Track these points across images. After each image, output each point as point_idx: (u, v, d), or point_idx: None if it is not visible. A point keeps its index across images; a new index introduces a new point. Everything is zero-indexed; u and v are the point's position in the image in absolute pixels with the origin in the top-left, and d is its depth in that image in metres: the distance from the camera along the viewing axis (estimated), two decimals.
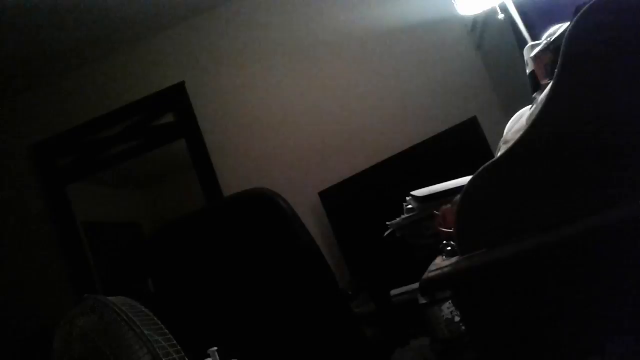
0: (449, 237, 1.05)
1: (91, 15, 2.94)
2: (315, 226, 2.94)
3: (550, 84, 0.91)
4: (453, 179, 1.46)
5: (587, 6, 0.82)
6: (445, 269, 0.78)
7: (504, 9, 1.58)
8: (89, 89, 3.41)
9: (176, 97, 3.30)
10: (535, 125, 0.81)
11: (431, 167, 2.63)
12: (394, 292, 2.42)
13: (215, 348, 1.13)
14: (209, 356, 1.16)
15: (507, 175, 0.81)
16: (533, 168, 0.79)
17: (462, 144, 2.62)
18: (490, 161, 0.86)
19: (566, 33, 0.83)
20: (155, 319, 0.98)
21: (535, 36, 1.54)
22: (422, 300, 1.80)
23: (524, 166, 0.80)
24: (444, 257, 0.93)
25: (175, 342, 0.94)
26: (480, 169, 0.84)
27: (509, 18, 1.65)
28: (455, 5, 1.56)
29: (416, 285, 2.25)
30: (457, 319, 1.69)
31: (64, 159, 3.43)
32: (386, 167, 2.79)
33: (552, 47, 1.16)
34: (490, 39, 2.60)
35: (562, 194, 0.77)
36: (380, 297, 2.43)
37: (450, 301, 1.71)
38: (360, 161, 2.92)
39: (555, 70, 0.84)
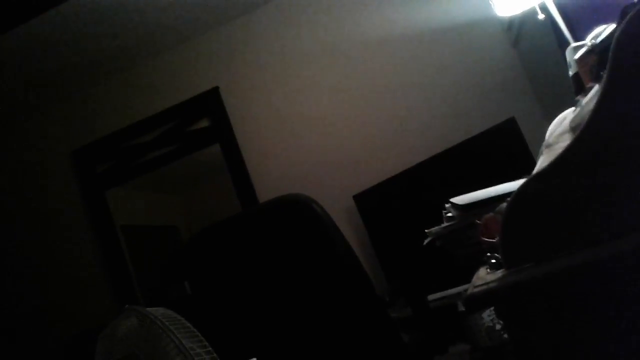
0: (491, 247, 1.02)
1: (129, 24, 2.99)
2: (351, 230, 2.92)
3: (598, 90, 0.88)
4: (491, 181, 1.42)
5: (637, 9, 0.78)
6: (492, 284, 0.76)
7: (544, 9, 1.54)
8: (127, 96, 3.48)
9: (211, 103, 3.33)
10: (584, 134, 0.77)
11: (469, 170, 2.58)
12: (431, 297, 2.39)
13: (255, 359, 1.13)
14: None
15: (556, 185, 0.78)
16: (583, 179, 0.76)
17: (500, 145, 2.56)
18: (539, 170, 0.83)
19: (615, 37, 0.79)
20: (194, 329, 0.98)
21: (577, 37, 1.50)
22: (462, 307, 1.77)
23: (574, 177, 0.77)
24: (487, 269, 0.90)
25: (213, 352, 0.94)
26: (528, 178, 0.81)
27: (549, 18, 1.60)
28: (492, 6, 1.52)
29: (455, 290, 2.22)
30: (498, 327, 1.65)
31: (103, 165, 3.51)
32: (422, 170, 2.75)
33: (598, 49, 1.12)
34: (528, 38, 2.53)
35: (613, 206, 0.74)
36: (417, 302, 2.39)
37: (490, 309, 1.68)
38: (396, 164, 2.89)
39: (603, 76, 0.81)
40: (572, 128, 1.31)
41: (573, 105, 1.42)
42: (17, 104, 3.44)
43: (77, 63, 3.20)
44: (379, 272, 2.81)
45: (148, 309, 0.96)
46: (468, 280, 0.98)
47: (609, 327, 0.69)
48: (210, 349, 0.97)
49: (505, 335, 1.57)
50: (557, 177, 0.80)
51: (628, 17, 0.81)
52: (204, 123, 3.38)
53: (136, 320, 1.05)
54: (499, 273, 0.81)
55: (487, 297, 0.75)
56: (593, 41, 1.14)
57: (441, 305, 2.34)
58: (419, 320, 2.36)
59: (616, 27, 1.04)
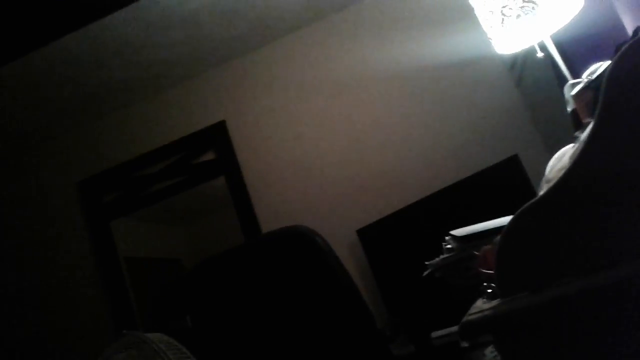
0: (490, 278, 1.02)
1: (138, 58, 3.07)
2: (353, 264, 2.91)
3: (591, 124, 0.90)
4: (494, 217, 1.43)
5: (627, 46, 0.81)
6: (486, 312, 0.76)
7: (543, 48, 1.58)
8: (134, 128, 3.53)
9: (217, 136, 3.38)
10: (576, 166, 0.79)
11: (471, 206, 2.59)
12: (435, 334, 2.36)
13: None
14: None
15: (549, 216, 0.79)
16: (575, 209, 0.77)
17: (503, 182, 2.57)
18: (532, 201, 0.84)
19: (606, 73, 0.82)
20: (192, 357, 0.98)
21: (575, 74, 1.53)
22: (464, 344, 1.75)
23: (566, 207, 0.78)
24: (484, 299, 0.91)
25: None
26: (521, 209, 0.82)
27: (549, 56, 1.64)
28: (492, 45, 1.56)
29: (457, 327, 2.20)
30: None
31: (108, 196, 3.54)
32: (425, 206, 2.76)
33: (593, 85, 1.15)
34: (530, 77, 2.58)
35: (605, 236, 0.75)
36: (420, 339, 2.37)
37: (492, 345, 1.66)
38: (400, 199, 2.90)
39: (596, 111, 0.83)
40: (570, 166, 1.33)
41: (573, 141, 1.44)
42: (26, 133, 3.50)
43: (86, 94, 3.27)
44: (381, 306, 2.79)
45: (145, 334, 0.97)
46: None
47: (601, 354, 0.69)
48: None
49: None
50: (548, 208, 0.81)
51: (619, 53, 0.84)
52: (209, 156, 3.42)
53: (135, 351, 1.05)
54: (494, 302, 0.82)
55: (481, 325, 0.75)
56: (589, 77, 1.17)
57: (444, 343, 2.32)
58: (421, 357, 2.33)
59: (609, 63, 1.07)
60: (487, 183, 2.63)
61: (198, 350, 1.12)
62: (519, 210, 0.82)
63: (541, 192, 1.37)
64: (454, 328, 2.24)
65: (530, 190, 2.43)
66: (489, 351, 1.64)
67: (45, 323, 3.41)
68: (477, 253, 1.13)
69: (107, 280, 3.39)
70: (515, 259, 0.79)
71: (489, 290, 0.89)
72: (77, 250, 3.47)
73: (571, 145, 1.45)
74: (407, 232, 2.80)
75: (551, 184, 1.36)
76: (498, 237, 1.13)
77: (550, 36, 1.55)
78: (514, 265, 0.79)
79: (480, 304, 0.88)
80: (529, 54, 2.37)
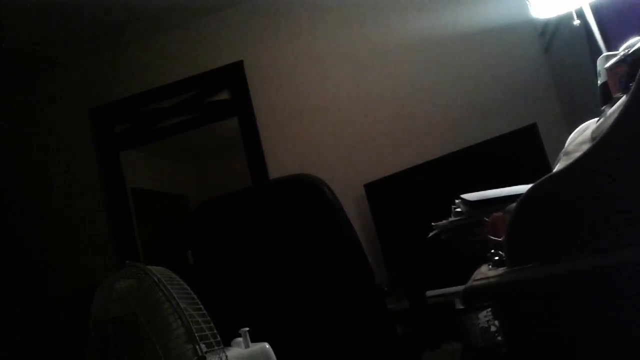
0: (497, 246, 1.01)
1: None
2: (357, 218, 2.92)
3: (624, 100, 0.86)
4: (505, 184, 1.41)
5: None
6: (492, 280, 0.75)
7: (580, 15, 1.51)
8: (151, 59, 3.48)
9: (233, 76, 3.33)
10: (603, 142, 0.76)
11: (484, 171, 2.56)
12: (430, 293, 2.38)
13: (247, 329, 1.14)
14: (239, 335, 1.17)
15: (568, 190, 0.77)
16: (596, 187, 0.75)
17: (518, 150, 2.53)
18: (552, 173, 0.82)
19: None
20: (192, 293, 0.99)
21: (610, 47, 1.47)
22: (459, 306, 1.76)
23: (587, 183, 0.76)
24: (490, 266, 0.90)
25: (208, 317, 0.95)
26: (541, 179, 0.80)
27: (584, 25, 1.57)
28: (529, 7, 1.49)
29: (454, 289, 2.22)
30: (493, 328, 1.65)
31: (120, 126, 3.53)
32: (437, 166, 2.74)
33: (629, 59, 1.10)
34: (560, 45, 2.50)
35: (623, 217, 0.73)
36: (415, 297, 2.39)
37: (487, 310, 1.67)
38: (411, 157, 2.88)
39: (631, 86, 0.79)
40: (593, 138, 1.29)
41: (597, 116, 1.40)
42: (44, 54, 3.46)
43: (107, 20, 3.21)
44: (380, 261, 2.81)
45: (149, 266, 0.97)
46: (468, 280, 0.97)
47: (608, 332, 0.68)
48: (206, 315, 0.98)
49: (499, 338, 1.57)
50: (570, 181, 0.78)
51: None
52: (224, 95, 3.38)
53: (135, 281, 1.06)
54: (501, 270, 0.81)
55: (486, 291, 0.74)
56: (626, 51, 1.12)
57: (438, 302, 2.34)
58: (415, 314, 2.36)
59: None
60: (501, 150, 2.59)
61: (197, 287, 1.13)
62: (538, 181, 0.80)
63: (558, 164, 1.35)
64: (450, 289, 2.26)
65: (544, 160, 2.40)
66: (483, 315, 1.66)
67: (47, 245, 3.47)
68: (486, 219, 1.11)
69: (113, 208, 3.43)
70: (529, 227, 0.77)
71: (496, 258, 0.88)
72: (86, 175, 3.50)
73: (595, 119, 1.41)
74: (415, 191, 2.79)
75: (571, 156, 1.34)
76: (511, 206, 1.11)
77: (590, 4, 1.49)
78: (527, 234, 0.77)
79: (486, 270, 0.87)
80: (561, 21, 2.28)
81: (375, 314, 1.81)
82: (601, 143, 0.77)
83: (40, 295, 3.39)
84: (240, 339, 1.15)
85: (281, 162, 3.21)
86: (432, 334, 2.26)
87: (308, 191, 1.84)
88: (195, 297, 0.95)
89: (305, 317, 1.80)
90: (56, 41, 3.32)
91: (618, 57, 1.13)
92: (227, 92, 3.38)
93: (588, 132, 1.37)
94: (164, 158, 3.72)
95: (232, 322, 1.20)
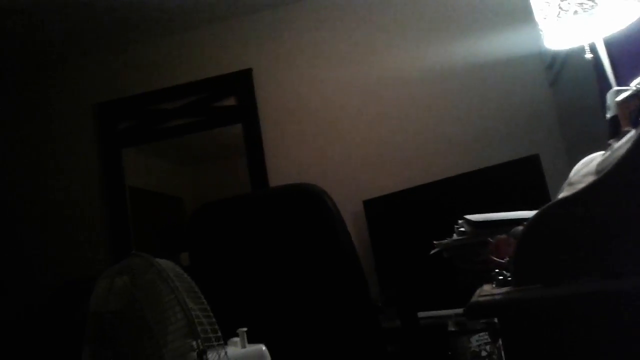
0: (499, 267, 1.02)
1: None
2: (354, 234, 2.90)
3: (632, 134, 0.88)
4: (503, 211, 1.42)
5: None
6: (497, 297, 0.76)
7: (592, 49, 1.54)
8: (160, 60, 3.51)
9: (242, 83, 3.35)
10: (616, 170, 0.78)
11: (483, 197, 2.57)
12: (422, 314, 2.38)
13: (245, 329, 1.14)
14: (236, 336, 1.17)
15: (578, 214, 0.78)
16: (606, 213, 0.76)
17: (519, 179, 2.55)
18: (561, 198, 0.83)
19: None
20: (196, 287, 0.99)
21: (620, 82, 1.49)
22: (452, 328, 1.77)
23: (597, 209, 0.78)
24: (494, 285, 0.91)
25: (211, 314, 0.95)
26: (550, 203, 0.81)
27: (595, 59, 1.60)
28: (542, 38, 1.52)
29: (447, 311, 2.21)
30: (484, 353, 1.65)
31: (124, 123, 3.54)
32: (437, 189, 2.75)
33: None
34: (567, 78, 2.53)
35: (631, 245, 0.74)
36: (407, 316, 2.39)
37: (480, 334, 1.67)
38: (412, 178, 2.90)
39: None
40: (598, 172, 1.31)
41: (600, 150, 1.42)
42: (54, 48, 3.47)
43: (118, 18, 3.23)
44: (374, 279, 2.81)
45: (156, 259, 0.97)
46: (462, 304, 0.98)
47: (610, 356, 0.69)
48: (210, 312, 0.98)
49: None
50: (580, 206, 0.80)
51: None
52: (230, 101, 3.40)
53: (129, 278, 1.06)
54: (505, 289, 0.82)
55: (491, 307, 0.75)
56: (638, 86, 1.15)
57: (430, 324, 2.34)
58: (406, 333, 2.36)
59: None
60: (502, 178, 2.61)
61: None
62: (548, 203, 0.81)
63: (561, 194, 1.36)
64: (443, 312, 2.26)
65: (544, 191, 2.41)
66: (475, 339, 1.66)
67: (41, 237, 3.46)
68: (490, 240, 1.13)
69: (110, 204, 3.42)
70: (537, 248, 0.79)
71: (500, 277, 0.89)
72: (86, 170, 3.50)
73: (601, 152, 1.43)
74: (413, 211, 2.80)
75: (576, 187, 1.35)
76: (516, 228, 1.13)
77: (603, 39, 1.51)
78: (535, 254, 0.79)
79: (489, 289, 0.88)
80: (570, 55, 2.32)
81: (368, 326, 1.81)
82: (614, 170, 0.79)
83: (28, 286, 3.37)
84: (236, 339, 1.15)
85: (282, 171, 3.22)
86: (421, 355, 2.26)
87: (309, 200, 1.85)
88: (198, 291, 0.96)
89: (299, 324, 1.80)
90: (67, 34, 3.34)
91: (631, 91, 1.16)
92: (233, 98, 3.40)
93: (593, 165, 1.39)
94: (164, 159, 3.72)
95: (227, 327, 1.20)
